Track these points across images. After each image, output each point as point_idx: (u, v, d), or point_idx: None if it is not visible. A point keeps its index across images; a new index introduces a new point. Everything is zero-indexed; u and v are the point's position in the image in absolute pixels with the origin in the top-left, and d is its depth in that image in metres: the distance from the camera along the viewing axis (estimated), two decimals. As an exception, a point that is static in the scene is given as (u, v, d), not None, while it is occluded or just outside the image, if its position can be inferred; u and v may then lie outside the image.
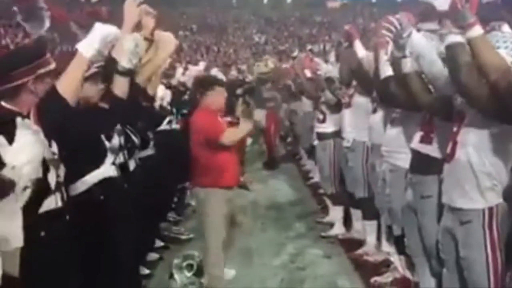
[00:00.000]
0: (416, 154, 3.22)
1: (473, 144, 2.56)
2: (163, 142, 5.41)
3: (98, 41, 2.38)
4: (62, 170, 2.33)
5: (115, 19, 3.11)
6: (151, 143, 4.92)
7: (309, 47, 14.81)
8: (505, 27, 2.65)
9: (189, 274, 4.49)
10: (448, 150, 2.72)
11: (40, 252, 1.93)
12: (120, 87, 2.83)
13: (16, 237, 1.66)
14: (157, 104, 5.20)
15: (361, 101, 4.80)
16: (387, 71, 3.52)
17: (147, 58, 3.15)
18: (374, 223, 4.90)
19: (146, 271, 4.73)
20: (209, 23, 31.05)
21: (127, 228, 2.88)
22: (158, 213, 5.49)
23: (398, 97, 3.46)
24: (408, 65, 3.09)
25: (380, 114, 4.18)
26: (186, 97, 6.66)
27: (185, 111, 7.18)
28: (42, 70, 2.30)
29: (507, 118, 2.40)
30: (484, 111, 2.44)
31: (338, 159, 5.55)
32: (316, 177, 7.63)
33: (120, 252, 2.81)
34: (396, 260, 4.34)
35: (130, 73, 2.86)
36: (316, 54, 10.41)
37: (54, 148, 2.30)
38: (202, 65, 8.00)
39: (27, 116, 2.22)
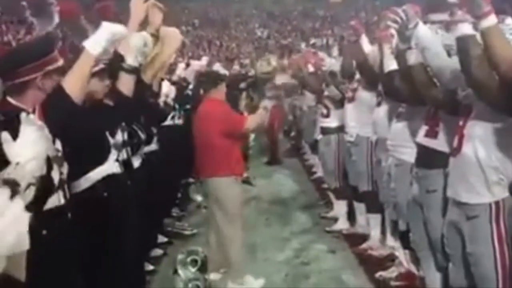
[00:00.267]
0: (421, 148, 3.20)
1: (480, 137, 2.53)
2: (167, 137, 5.39)
3: (105, 39, 2.36)
4: (65, 168, 2.31)
5: (123, 15, 3.09)
6: (155, 138, 4.89)
7: (312, 41, 14.75)
8: (509, 20, 2.62)
9: (193, 270, 4.47)
10: (454, 144, 2.69)
11: (41, 251, 1.90)
12: (126, 84, 2.81)
13: (22, 240, 1.64)
14: (161, 100, 5.18)
15: (364, 96, 4.78)
16: (391, 65, 3.49)
17: (152, 54, 3.13)
18: (378, 216, 4.88)
19: (150, 267, 4.73)
20: (211, 17, 30.98)
21: (131, 224, 2.86)
22: (162, 209, 5.48)
23: (402, 91, 3.43)
24: (413, 57, 3.06)
25: (384, 108, 4.15)
26: (188, 92, 6.63)
27: (188, 106, 7.18)
28: (50, 67, 2.30)
29: (516, 111, 2.38)
30: (493, 105, 2.41)
31: (342, 154, 5.52)
32: (319, 172, 7.61)
33: (124, 249, 2.79)
34: (401, 254, 4.33)
35: (136, 71, 2.84)
36: (318, 48, 10.36)
37: (58, 145, 2.28)
38: (205, 60, 7.97)
39: (32, 112, 2.20)
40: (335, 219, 5.92)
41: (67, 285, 2.28)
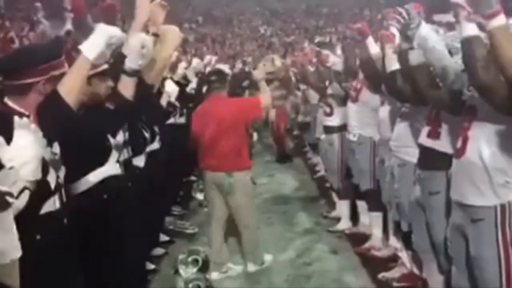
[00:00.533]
0: (423, 149, 3.16)
1: (485, 139, 2.49)
2: (169, 136, 5.36)
3: (102, 43, 2.31)
4: (62, 171, 2.27)
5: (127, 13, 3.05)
6: (157, 137, 4.86)
7: (316, 39, 14.71)
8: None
9: (194, 270, 4.46)
10: (458, 145, 2.65)
11: (35, 256, 1.87)
12: (127, 87, 2.77)
13: (13, 249, 1.60)
14: (164, 99, 5.14)
15: (368, 97, 4.74)
16: (393, 65, 3.45)
17: (154, 53, 3.09)
18: (379, 215, 4.85)
19: (151, 266, 4.70)
20: (214, 15, 30.91)
21: (131, 226, 2.82)
22: (163, 207, 5.46)
23: (404, 91, 3.39)
24: (415, 58, 3.02)
25: (387, 108, 4.12)
26: (190, 90, 6.60)
27: (190, 105, 7.14)
28: (55, 72, 2.25)
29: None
30: (499, 107, 2.36)
31: (345, 153, 5.48)
32: (322, 171, 7.57)
33: (124, 250, 2.75)
34: (404, 255, 4.29)
35: (136, 74, 2.80)
36: (322, 46, 10.30)
37: (55, 148, 2.23)
38: (207, 59, 7.94)
39: (27, 116, 2.16)
40: (337, 219, 5.88)
41: (64, 289, 2.24)
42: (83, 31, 2.94)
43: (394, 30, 3.26)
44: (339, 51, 6.13)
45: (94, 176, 2.69)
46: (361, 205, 5.34)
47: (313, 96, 7.52)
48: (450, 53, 2.86)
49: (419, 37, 2.88)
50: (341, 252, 5.08)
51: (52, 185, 2.17)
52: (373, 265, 4.62)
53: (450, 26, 3.13)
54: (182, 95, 6.34)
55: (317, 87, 6.48)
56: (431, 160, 3.09)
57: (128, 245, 2.79)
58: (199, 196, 6.90)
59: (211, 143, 4.59)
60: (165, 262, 4.93)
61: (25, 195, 1.75)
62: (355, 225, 5.60)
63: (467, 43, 2.34)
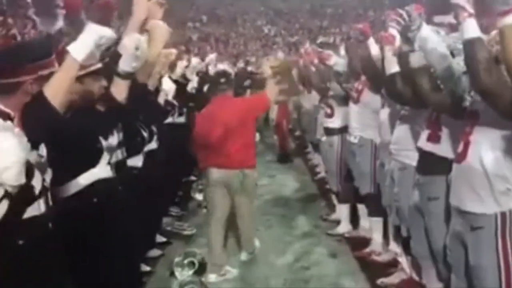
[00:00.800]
0: (423, 153, 3.10)
1: (487, 144, 2.42)
2: (168, 135, 5.31)
3: (91, 44, 2.20)
4: (48, 174, 2.19)
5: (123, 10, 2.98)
6: (155, 136, 4.80)
7: (319, 39, 14.64)
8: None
9: (190, 272, 4.39)
10: (460, 150, 2.58)
11: (16, 262, 1.80)
12: (119, 90, 2.70)
13: None
14: (161, 97, 5.08)
15: (369, 98, 4.66)
16: (393, 67, 3.38)
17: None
18: (379, 219, 4.77)
19: (147, 268, 4.64)
20: (218, 14, 30.88)
21: (123, 229, 2.74)
22: (161, 208, 5.40)
23: (404, 94, 3.33)
24: (416, 60, 2.96)
25: (387, 110, 4.05)
26: (191, 90, 6.55)
27: (191, 104, 7.08)
28: (44, 72, 2.16)
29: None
30: (502, 111, 2.28)
31: (345, 156, 5.40)
32: (323, 172, 7.50)
33: (116, 254, 2.68)
34: (404, 261, 4.22)
35: (130, 77, 2.72)
36: (326, 47, 10.23)
37: (42, 150, 2.16)
38: (208, 58, 7.88)
39: (10, 118, 2.07)
40: (337, 222, 5.80)
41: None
42: (77, 29, 2.86)
43: (394, 31, 3.18)
44: (342, 51, 6.05)
45: (85, 179, 2.60)
46: (362, 208, 5.26)
47: (315, 97, 7.46)
48: (452, 54, 2.79)
49: (420, 38, 2.81)
50: (340, 256, 5.01)
51: (38, 189, 2.10)
52: (372, 270, 4.54)
53: (453, 27, 3.06)
54: (183, 94, 6.29)
55: (319, 88, 6.41)
56: (431, 165, 3.03)
57: (120, 248, 2.72)
58: (198, 196, 6.84)
59: (220, 142, 4.60)
60: (161, 264, 4.86)
61: (6, 201, 1.67)
62: (355, 228, 5.52)
63: (469, 45, 2.27)
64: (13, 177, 1.72)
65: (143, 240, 4.43)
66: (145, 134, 4.46)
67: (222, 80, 4.86)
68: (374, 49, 4.02)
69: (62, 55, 2.20)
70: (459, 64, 2.65)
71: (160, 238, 5.33)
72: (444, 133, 2.98)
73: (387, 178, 3.97)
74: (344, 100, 5.35)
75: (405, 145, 3.52)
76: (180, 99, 6.07)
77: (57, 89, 2.10)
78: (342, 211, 5.73)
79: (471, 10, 2.21)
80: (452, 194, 2.65)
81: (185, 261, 4.47)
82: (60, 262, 2.23)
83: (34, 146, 2.07)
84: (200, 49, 21.85)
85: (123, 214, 2.77)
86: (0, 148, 1.71)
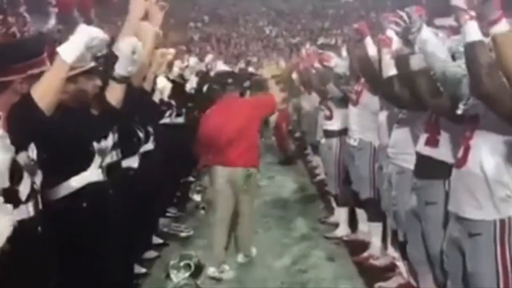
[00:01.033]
0: (421, 157, 3.05)
1: (488, 149, 2.37)
2: (164, 136, 5.26)
3: (81, 45, 2.13)
4: (38, 177, 2.14)
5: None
6: (151, 137, 4.76)
7: (320, 41, 14.61)
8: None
9: (185, 275, 4.34)
10: (460, 155, 2.53)
11: (3, 267, 1.75)
12: (114, 94, 2.65)
13: None
14: (156, 96, 5.03)
15: (368, 99, 4.62)
16: (390, 70, 3.33)
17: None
18: (379, 225, 4.72)
19: (143, 270, 4.60)
20: (220, 14, 30.84)
21: (113, 234, 2.68)
22: (157, 209, 5.35)
23: (401, 97, 3.28)
24: (417, 63, 2.90)
25: (385, 113, 4.01)
26: (188, 90, 6.51)
27: (190, 104, 7.05)
28: (34, 71, 2.10)
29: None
30: (504, 116, 2.23)
31: (343, 159, 5.35)
32: (322, 174, 7.45)
33: (107, 258, 2.63)
34: (402, 265, 4.17)
35: (125, 81, 2.67)
36: (327, 48, 10.19)
37: (32, 152, 2.10)
38: (207, 58, 7.85)
39: None
40: (335, 224, 5.76)
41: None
42: (70, 27, 2.80)
43: (391, 34, 3.14)
44: (344, 53, 6.00)
45: (76, 182, 2.54)
46: (360, 212, 5.22)
47: (315, 99, 7.41)
48: (454, 57, 2.74)
49: (420, 41, 2.77)
50: (337, 260, 4.96)
51: (26, 192, 2.04)
52: (370, 274, 4.50)
53: (455, 30, 3.01)
54: (181, 95, 6.25)
55: (318, 90, 6.37)
56: (429, 169, 2.98)
57: (111, 252, 2.67)
58: (197, 197, 6.75)
59: (228, 140, 4.67)
60: (157, 266, 4.81)
61: None
62: (354, 231, 5.48)
63: (470, 49, 2.21)
64: None
65: (139, 241, 4.40)
66: (141, 135, 4.42)
67: (230, 80, 4.97)
68: (371, 49, 3.96)
69: (54, 54, 2.15)
70: (460, 66, 2.60)
71: (156, 240, 5.28)
72: (443, 137, 2.94)
73: (385, 181, 3.93)
74: (343, 102, 5.31)
75: (403, 149, 3.48)
76: (178, 99, 6.02)
77: (45, 91, 2.03)
78: (341, 214, 5.69)
79: (472, 13, 2.16)
80: (450, 200, 2.61)
81: (181, 264, 4.41)
82: (50, 266, 2.18)
83: (22, 147, 2.02)
84: (201, 49, 21.82)
85: (114, 218, 2.71)
86: None
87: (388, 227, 4.48)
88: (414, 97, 3.06)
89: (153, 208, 4.90)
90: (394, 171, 3.64)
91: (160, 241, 5.34)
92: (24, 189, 2.04)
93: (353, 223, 5.51)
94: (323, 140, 6.00)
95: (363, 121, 4.75)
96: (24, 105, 1.99)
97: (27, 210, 2.07)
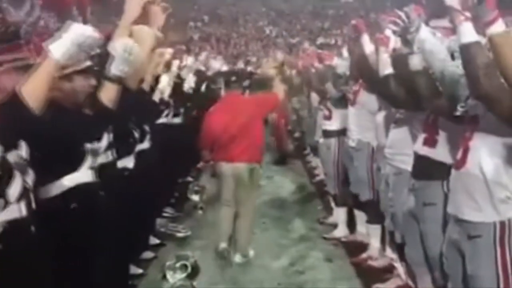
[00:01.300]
0: (418, 157, 3.01)
1: (487, 151, 2.33)
2: (163, 136, 5.23)
3: (68, 42, 2.08)
4: (30, 176, 2.10)
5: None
6: (148, 136, 4.72)
7: (319, 40, 14.57)
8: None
9: (182, 276, 4.30)
10: (459, 156, 2.49)
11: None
12: (108, 94, 2.60)
13: None
14: (157, 96, 5.00)
15: (365, 99, 4.57)
16: (386, 69, 3.30)
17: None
18: (378, 227, 4.68)
19: (139, 271, 4.56)
20: (220, 14, 30.82)
21: (104, 235, 2.64)
22: (154, 209, 5.31)
23: (397, 96, 3.25)
24: (416, 62, 2.86)
25: (383, 113, 3.97)
26: (186, 89, 6.47)
27: (188, 104, 7.01)
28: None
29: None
30: (504, 117, 2.19)
31: (342, 159, 5.31)
32: (322, 175, 7.42)
33: (99, 260, 2.59)
34: (400, 266, 4.14)
35: (120, 81, 2.63)
36: (326, 48, 10.15)
37: (23, 151, 2.07)
38: (202, 56, 7.81)
39: None
40: (334, 225, 5.72)
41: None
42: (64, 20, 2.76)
43: (389, 33, 3.10)
44: (345, 53, 5.97)
45: (64, 183, 2.49)
46: (359, 214, 5.18)
47: (315, 99, 7.38)
48: (453, 56, 2.70)
49: (419, 40, 2.73)
50: (335, 261, 4.93)
51: (17, 191, 2.00)
52: (368, 275, 4.46)
53: (448, 31, 2.97)
54: (179, 94, 6.22)
55: (318, 90, 6.33)
56: (426, 169, 2.95)
57: (103, 253, 2.63)
58: (195, 197, 6.73)
59: (232, 137, 4.83)
60: (153, 266, 4.77)
61: None
62: (352, 232, 5.44)
63: (466, 50, 2.18)
64: None
65: (136, 242, 4.36)
66: (136, 135, 4.37)
67: (233, 78, 5.20)
68: (368, 47, 3.91)
69: (40, 48, 2.10)
70: (458, 67, 2.57)
71: (153, 240, 5.25)
72: (441, 137, 2.90)
73: (382, 182, 3.89)
74: (342, 102, 5.26)
75: (400, 149, 3.44)
76: (175, 99, 5.99)
77: (34, 88, 1.99)
78: (340, 214, 5.65)
79: (467, 14, 2.12)
80: (449, 201, 2.57)
81: (177, 265, 4.38)
82: (43, 266, 2.14)
83: (12, 146, 1.98)
84: (201, 49, 21.77)
85: (105, 219, 2.66)
86: None
87: (386, 228, 4.45)
88: (412, 97, 3.02)
89: (150, 208, 4.86)
90: (391, 172, 3.61)
91: (157, 241, 5.31)
92: (15, 189, 2.00)
93: (351, 223, 5.48)
94: (321, 140, 5.96)
95: (361, 121, 4.70)
96: (13, 103, 1.95)
97: (19, 210, 2.03)
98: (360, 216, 5.15)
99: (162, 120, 5.63)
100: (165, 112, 5.78)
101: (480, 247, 2.33)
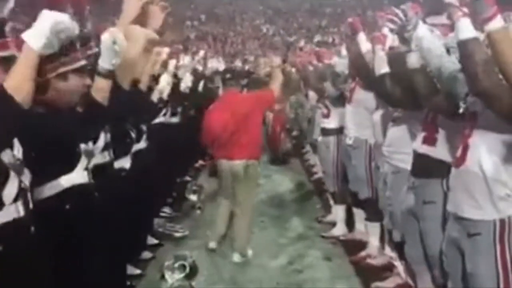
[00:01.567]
0: (418, 156, 3.00)
1: (487, 148, 2.31)
2: (160, 136, 5.20)
3: (47, 31, 2.01)
4: (26, 176, 2.07)
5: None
6: (144, 136, 4.69)
7: (316, 38, 14.56)
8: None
9: (180, 276, 4.28)
10: (458, 153, 2.47)
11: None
12: (100, 90, 2.55)
13: None
14: (155, 95, 4.98)
15: (362, 96, 4.56)
16: (383, 68, 3.28)
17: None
18: (377, 225, 4.67)
19: (137, 271, 4.54)
20: (217, 13, 30.79)
21: (99, 237, 2.61)
22: (152, 209, 5.29)
23: (393, 95, 3.23)
24: (413, 60, 2.85)
25: (380, 111, 3.96)
26: (183, 89, 6.45)
27: (185, 103, 6.99)
28: None
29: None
30: (502, 114, 2.18)
31: (341, 157, 5.30)
32: (320, 173, 7.40)
33: (93, 261, 2.56)
34: (399, 265, 4.13)
35: (110, 75, 2.59)
36: (324, 46, 10.15)
37: (17, 151, 2.04)
38: (199, 55, 7.79)
39: None
40: (332, 224, 5.71)
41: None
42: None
43: (386, 31, 3.09)
44: (344, 51, 5.95)
45: (57, 184, 2.45)
46: (357, 212, 5.17)
47: (313, 97, 7.37)
48: (449, 51, 2.69)
49: (416, 38, 2.72)
50: (334, 259, 4.92)
51: (14, 192, 1.97)
52: (367, 274, 4.45)
53: (445, 29, 2.96)
54: (177, 94, 6.19)
55: (316, 88, 6.32)
56: (426, 168, 2.94)
57: (98, 255, 2.60)
58: (193, 197, 6.72)
59: (231, 134, 4.88)
60: (151, 266, 4.75)
61: None
62: (351, 230, 5.43)
63: (464, 46, 2.17)
64: None
65: (133, 242, 4.34)
66: (133, 135, 4.34)
67: (228, 76, 5.30)
68: (364, 46, 3.89)
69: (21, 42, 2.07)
70: (455, 63, 2.56)
71: (151, 240, 5.23)
72: (441, 135, 2.89)
73: (380, 181, 3.88)
74: (340, 100, 5.26)
75: (399, 148, 3.43)
76: (173, 98, 5.96)
77: (19, 82, 1.93)
78: (338, 212, 5.64)
79: (465, 10, 2.11)
80: (449, 199, 2.56)
81: (176, 265, 4.36)
82: (42, 266, 2.12)
83: (4, 145, 1.94)
84: (198, 48, 21.75)
85: (101, 220, 2.63)
86: None
87: (385, 227, 4.43)
88: (409, 95, 3.01)
89: (148, 208, 4.84)
90: (390, 170, 3.60)
91: (155, 241, 5.28)
92: (11, 190, 1.97)
93: (350, 222, 5.47)
94: (320, 138, 5.95)
95: (357, 118, 4.69)
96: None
97: (17, 210, 2.00)
98: (359, 214, 5.14)
99: (159, 119, 5.60)
100: (163, 112, 5.75)
101: (480, 245, 2.32)
